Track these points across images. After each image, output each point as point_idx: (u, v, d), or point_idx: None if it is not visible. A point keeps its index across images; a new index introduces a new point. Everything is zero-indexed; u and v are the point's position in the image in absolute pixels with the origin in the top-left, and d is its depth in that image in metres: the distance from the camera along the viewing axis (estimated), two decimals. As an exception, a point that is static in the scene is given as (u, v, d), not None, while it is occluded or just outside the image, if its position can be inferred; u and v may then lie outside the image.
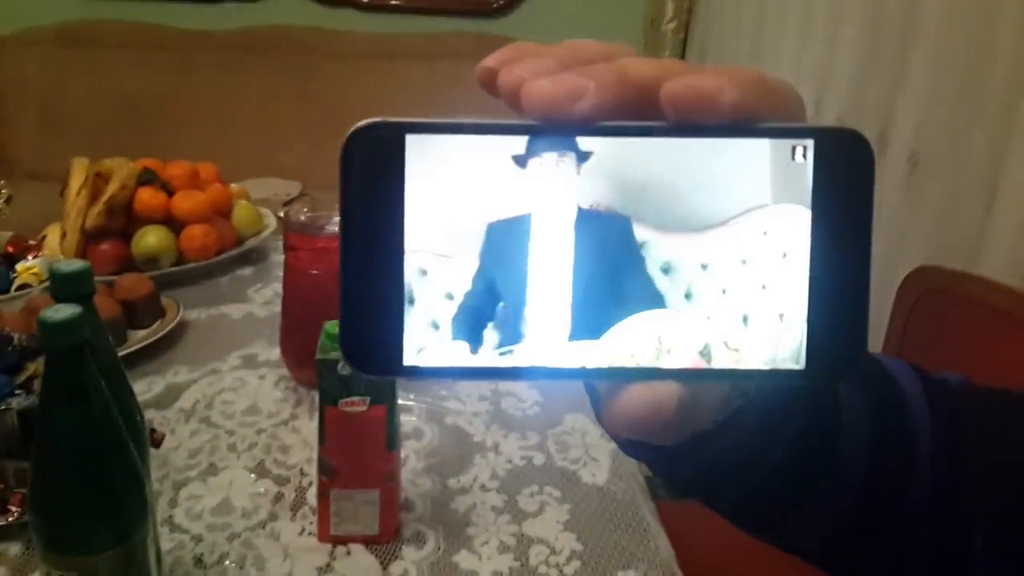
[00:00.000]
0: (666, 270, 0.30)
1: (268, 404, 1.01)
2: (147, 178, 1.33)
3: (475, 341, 0.30)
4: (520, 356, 0.29)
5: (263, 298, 1.32)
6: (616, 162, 0.29)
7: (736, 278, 0.30)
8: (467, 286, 0.30)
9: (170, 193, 1.34)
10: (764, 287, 0.29)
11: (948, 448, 0.42)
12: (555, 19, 3.05)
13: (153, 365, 1.08)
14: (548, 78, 0.28)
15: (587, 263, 0.29)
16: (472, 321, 0.30)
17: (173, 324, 1.13)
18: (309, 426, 0.95)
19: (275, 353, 1.09)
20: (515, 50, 0.30)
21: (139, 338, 1.10)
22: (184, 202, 1.34)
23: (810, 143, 0.28)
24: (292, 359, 1.05)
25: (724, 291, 0.30)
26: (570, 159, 0.28)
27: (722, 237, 0.30)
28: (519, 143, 0.28)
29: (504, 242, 0.29)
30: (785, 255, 0.29)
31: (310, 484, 0.86)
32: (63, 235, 1.24)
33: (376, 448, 0.76)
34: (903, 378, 0.44)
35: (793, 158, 0.28)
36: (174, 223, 1.33)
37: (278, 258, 1.45)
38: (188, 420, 0.96)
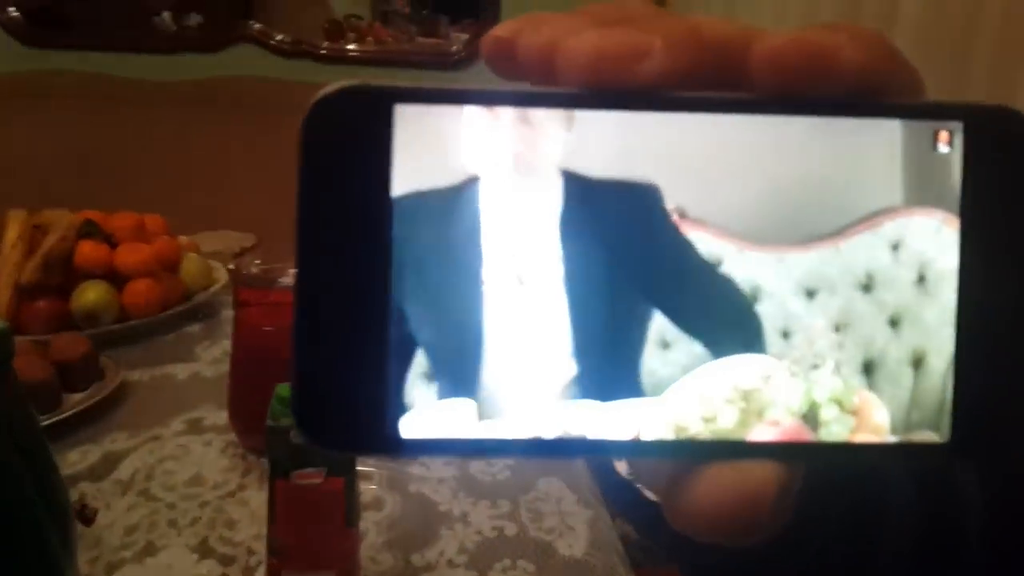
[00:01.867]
0: (754, 298, 0.22)
1: (214, 474, 0.92)
2: (89, 230, 1.25)
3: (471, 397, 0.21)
4: (544, 422, 0.21)
5: (211, 357, 1.23)
6: (658, 131, 0.21)
7: (854, 310, 0.22)
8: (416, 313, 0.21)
9: (113, 246, 1.26)
10: (894, 324, 0.21)
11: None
12: (517, 72, 3.04)
13: (89, 432, 0.99)
14: (598, 31, 0.20)
15: (590, 260, 0.21)
16: (447, 367, 0.21)
17: (112, 387, 1.05)
18: (258, 498, 0.87)
19: (223, 417, 1.01)
20: (534, 16, 0.22)
21: (74, 402, 1.01)
22: (128, 255, 1.25)
23: (958, 127, 0.21)
24: (241, 424, 0.97)
25: (837, 328, 0.21)
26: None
27: (835, 253, 0.22)
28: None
29: (440, 229, 0.21)
30: (923, 280, 0.21)
31: (259, 564, 0.78)
32: (-5, 291, 1.16)
33: (333, 525, 0.68)
34: None
35: (935, 148, 0.21)
36: (117, 278, 1.25)
37: (229, 314, 1.37)
38: (125, 493, 0.88)
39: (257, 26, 3.08)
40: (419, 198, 0.20)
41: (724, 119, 0.21)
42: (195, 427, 1.02)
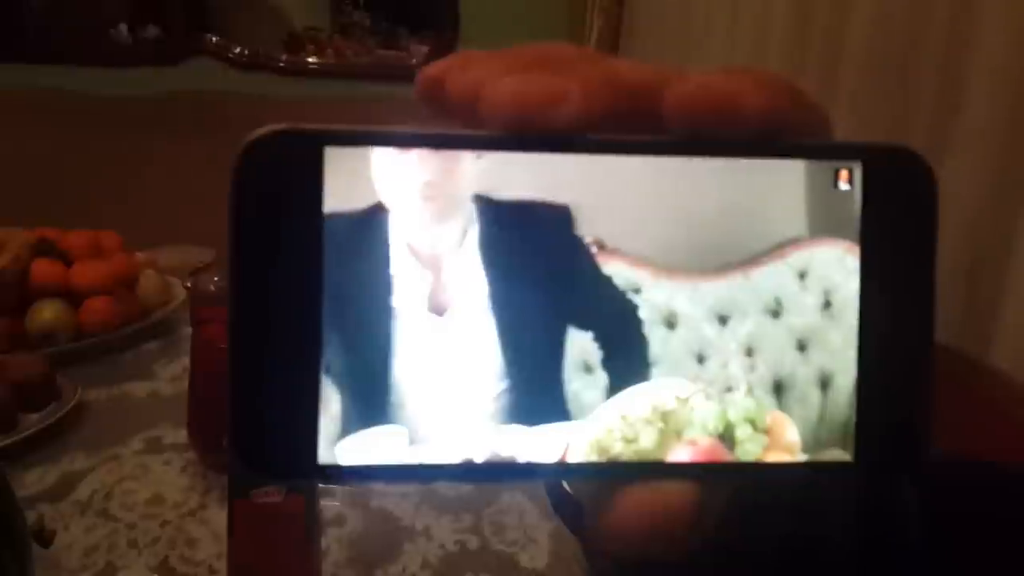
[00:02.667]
0: (670, 324, 0.23)
1: (174, 493, 0.92)
2: (43, 248, 1.24)
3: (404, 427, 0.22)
4: (474, 448, 0.21)
5: (170, 374, 1.22)
6: (574, 165, 0.22)
7: (764, 335, 0.23)
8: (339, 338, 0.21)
9: (69, 264, 1.25)
10: (801, 348, 0.22)
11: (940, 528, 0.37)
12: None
13: (46, 452, 0.98)
14: (517, 77, 0.21)
15: (503, 287, 0.22)
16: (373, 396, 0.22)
17: (69, 407, 1.03)
18: (220, 516, 0.87)
19: (182, 435, 1.00)
20: (466, 54, 0.23)
21: (31, 423, 1.00)
22: (84, 273, 1.24)
23: (857, 166, 0.22)
24: (201, 441, 0.96)
25: (748, 352, 0.23)
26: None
27: (745, 280, 0.23)
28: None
29: (361, 254, 0.21)
30: (828, 305, 0.22)
31: (220, 583, 0.77)
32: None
33: (293, 543, 0.68)
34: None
35: (835, 185, 0.22)
36: (73, 296, 1.23)
37: (187, 331, 1.36)
38: (84, 513, 0.87)
39: (214, 39, 3.06)
40: (346, 233, 0.21)
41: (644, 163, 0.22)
42: (154, 446, 1.01)
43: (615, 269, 0.22)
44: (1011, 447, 1.00)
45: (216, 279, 0.98)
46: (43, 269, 1.22)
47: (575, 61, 0.23)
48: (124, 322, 1.27)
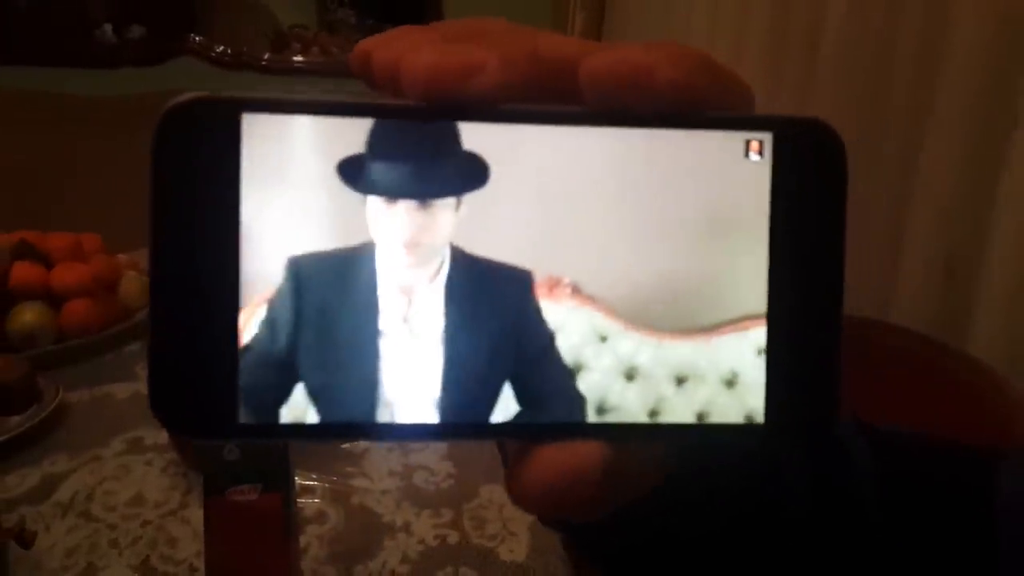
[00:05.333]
0: (630, 375, 0.23)
1: (155, 493, 0.92)
2: (23, 251, 1.24)
3: (339, 393, 0.23)
4: (411, 412, 0.23)
5: (153, 375, 1.23)
6: (524, 189, 0.22)
7: (716, 403, 0.23)
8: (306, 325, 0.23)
9: (49, 266, 1.25)
10: (749, 419, 0.23)
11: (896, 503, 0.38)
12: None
13: (28, 455, 0.98)
14: (436, 48, 0.22)
15: (463, 324, 0.23)
16: (320, 368, 0.23)
17: (51, 409, 1.04)
18: (200, 515, 0.86)
19: (163, 436, 1.01)
20: (397, 30, 0.24)
21: (12, 425, 1.00)
22: (65, 276, 1.24)
23: (768, 137, 0.23)
24: (181, 441, 0.96)
25: (700, 417, 0.24)
26: (445, 201, 0.22)
27: (705, 346, 0.23)
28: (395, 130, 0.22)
29: (327, 270, 0.22)
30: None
31: (201, 582, 0.78)
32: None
33: (271, 541, 0.69)
34: (846, 433, 0.40)
35: (746, 155, 0.23)
36: (54, 298, 1.23)
37: (171, 331, 1.36)
38: (65, 515, 0.87)
39: (197, 39, 3.06)
40: (317, 257, 0.22)
41: (622, 215, 0.23)
42: (136, 447, 1.02)
43: (587, 314, 0.23)
44: (986, 429, 1.02)
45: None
46: (24, 272, 1.22)
47: (500, 34, 0.24)
48: (105, 324, 1.27)
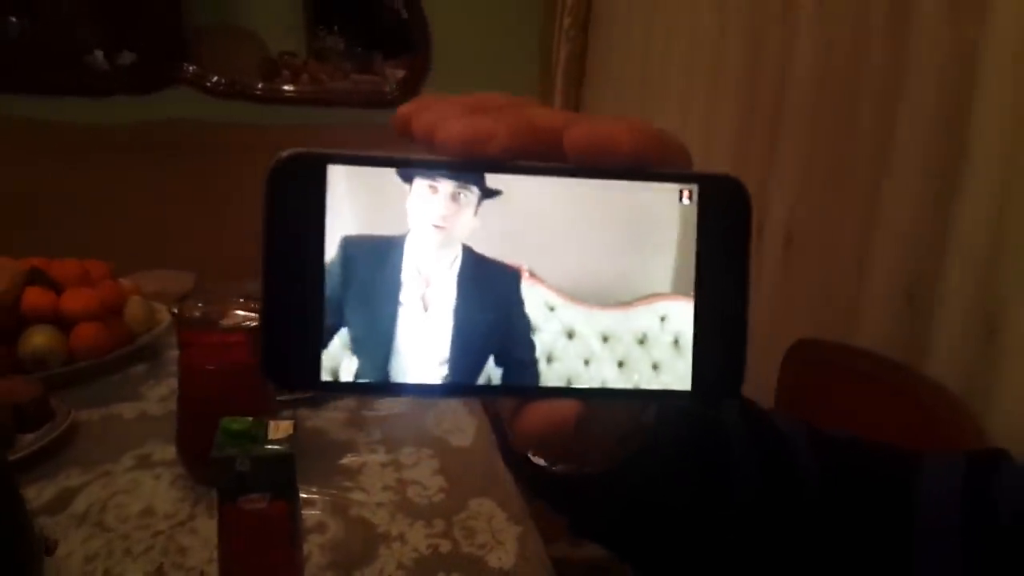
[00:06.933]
0: (569, 335, 0.31)
1: (165, 505, 0.98)
2: (34, 277, 1.30)
3: (380, 360, 0.31)
4: (429, 374, 0.31)
5: (157, 395, 1.29)
6: (519, 212, 0.31)
7: (631, 355, 0.32)
8: (351, 309, 0.31)
9: (59, 292, 1.31)
10: (655, 367, 0.31)
11: (829, 483, 0.46)
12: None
13: (43, 470, 1.04)
14: (461, 120, 0.30)
15: (468, 305, 0.31)
16: (364, 342, 0.31)
17: (63, 427, 1.10)
18: (208, 526, 0.93)
19: (170, 452, 1.07)
20: (428, 98, 0.32)
21: (27, 442, 1.06)
22: (74, 301, 1.31)
23: (695, 187, 0.31)
24: (189, 457, 1.03)
25: (620, 364, 0.32)
26: (469, 194, 0.31)
27: (624, 316, 0.31)
28: (438, 178, 0.30)
29: (377, 261, 0.31)
30: (676, 342, 0.31)
31: (211, 586, 0.84)
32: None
33: (278, 546, 0.75)
34: (789, 430, 0.48)
35: (680, 199, 0.31)
36: (64, 322, 1.30)
37: (173, 354, 1.42)
38: (81, 525, 0.93)
39: (192, 68, 3.12)
40: (366, 239, 0.31)
41: (575, 221, 0.31)
42: (145, 462, 1.08)
43: (539, 291, 0.31)
44: (938, 443, 1.09)
45: (200, 305, 1.05)
46: (35, 297, 1.28)
47: (505, 107, 0.32)
48: (113, 347, 1.33)
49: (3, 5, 3.19)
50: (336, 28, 3.63)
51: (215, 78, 3.13)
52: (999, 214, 1.16)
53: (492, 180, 0.30)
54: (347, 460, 1.11)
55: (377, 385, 0.31)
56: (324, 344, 0.30)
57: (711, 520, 0.43)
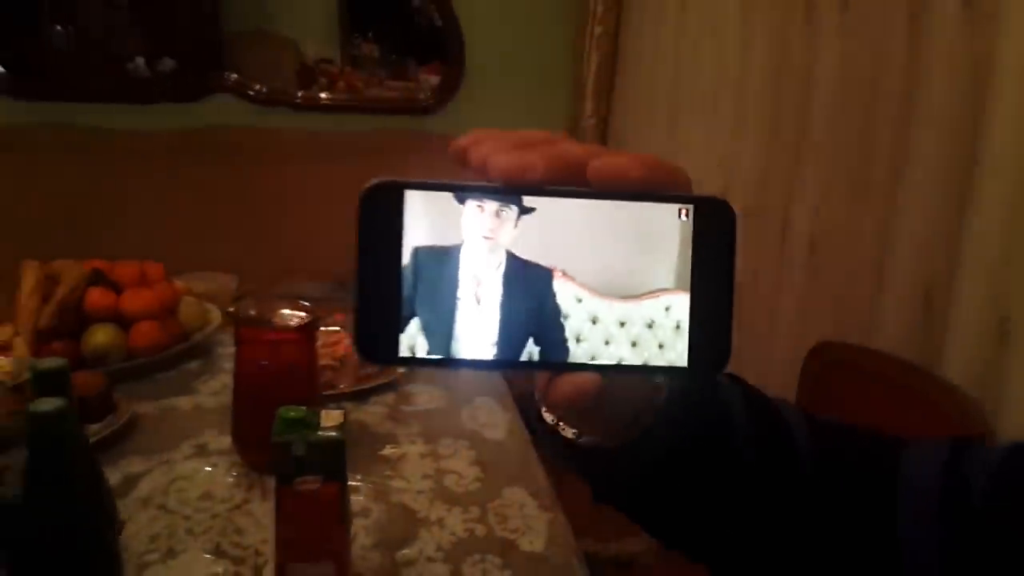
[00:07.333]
0: (593, 321, 0.39)
1: (221, 490, 1.06)
2: (96, 278, 1.39)
3: (444, 341, 0.38)
4: (482, 352, 0.39)
5: (210, 390, 1.37)
6: (552, 225, 0.39)
7: (642, 337, 0.39)
8: (421, 302, 0.38)
9: (119, 292, 1.40)
10: (661, 347, 0.39)
11: (823, 460, 0.53)
12: (478, 117, 3.19)
13: (107, 457, 1.12)
14: (509, 154, 0.38)
15: (511, 298, 0.39)
16: (435, 327, 0.38)
17: (125, 418, 1.18)
18: (261, 509, 1.01)
19: (225, 441, 1.15)
20: (480, 133, 0.40)
21: (92, 432, 1.14)
22: (133, 301, 1.39)
23: (691, 207, 0.38)
24: (244, 445, 1.11)
25: (633, 344, 0.39)
26: (510, 211, 0.38)
27: (637, 306, 0.39)
28: (487, 199, 0.38)
29: (440, 265, 0.38)
30: (678, 327, 0.39)
31: (265, 563, 0.91)
32: (15, 335, 1.29)
33: (329, 523, 0.82)
34: (789, 414, 0.55)
35: (679, 216, 0.38)
36: (123, 321, 1.38)
37: (223, 351, 1.51)
38: (146, 507, 1.01)
39: (234, 77, 3.22)
40: (432, 248, 0.38)
41: (596, 233, 0.38)
42: (201, 451, 1.16)
43: (567, 287, 0.39)
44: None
45: (254, 305, 1.12)
46: (97, 297, 1.37)
47: (542, 143, 0.39)
48: (168, 344, 1.42)
49: (49, 14, 3.31)
50: (371, 35, 3.69)
51: (257, 87, 3.22)
52: (1011, 221, 1.21)
53: (528, 200, 0.38)
54: (388, 451, 1.18)
55: (441, 360, 0.38)
56: (402, 329, 0.38)
57: (715, 489, 0.50)
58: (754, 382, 0.55)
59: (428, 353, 0.38)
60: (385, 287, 0.38)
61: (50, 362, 0.71)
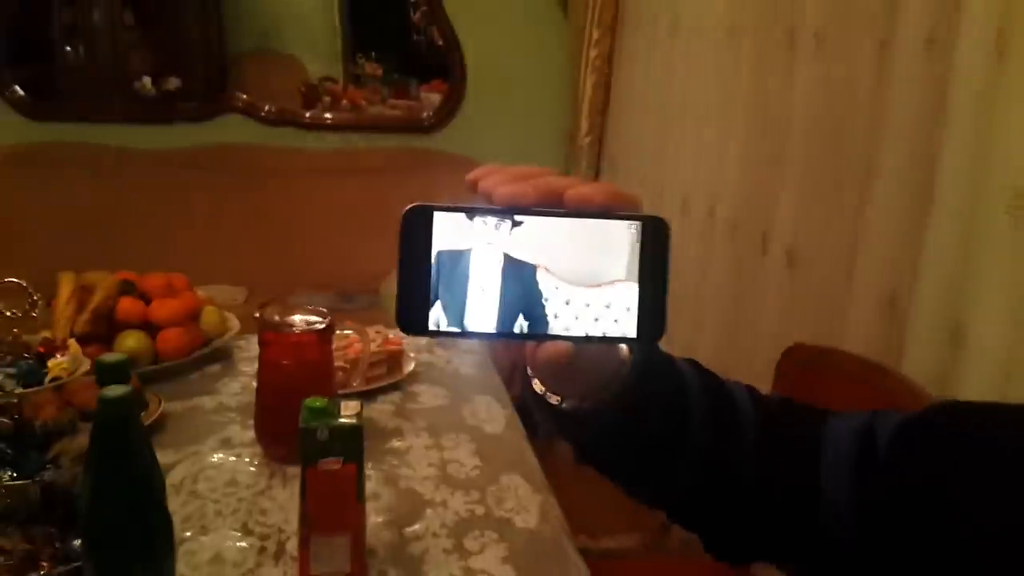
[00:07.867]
0: (567, 303, 0.51)
1: (246, 478, 1.17)
2: (126, 288, 1.51)
3: (459, 318, 0.50)
4: (486, 326, 0.50)
5: (231, 390, 1.48)
6: (537, 234, 0.51)
7: (601, 314, 0.51)
8: (443, 290, 0.50)
9: (147, 301, 1.52)
10: (616, 321, 0.51)
11: (764, 427, 0.64)
12: (479, 136, 3.33)
13: (141, 450, 1.23)
14: (509, 186, 0.50)
15: (506, 286, 0.51)
16: (453, 308, 0.50)
17: (156, 415, 1.29)
18: (283, 494, 1.12)
19: (247, 435, 1.27)
20: (488, 168, 0.52)
21: (127, 427, 1.25)
22: (161, 309, 1.51)
23: (638, 223, 0.50)
24: (266, 439, 1.22)
25: (596, 319, 0.51)
26: (507, 224, 0.50)
27: (598, 292, 0.51)
28: (490, 217, 0.50)
29: (456, 264, 0.50)
30: (628, 309, 0.51)
31: (288, 539, 1.02)
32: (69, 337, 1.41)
33: (348, 500, 0.93)
34: (735, 388, 0.66)
35: (630, 228, 0.50)
36: (151, 327, 1.50)
37: (242, 355, 1.62)
38: (179, 493, 1.13)
39: (244, 97, 3.34)
40: (451, 251, 0.50)
41: (557, 225, 0.50)
42: (226, 444, 1.27)
43: (547, 278, 0.51)
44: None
45: (277, 310, 1.24)
46: (127, 306, 1.49)
47: (534, 175, 0.52)
48: (192, 349, 1.53)
49: (61, 36, 3.44)
50: (373, 55, 3.76)
51: (266, 107, 3.33)
52: (966, 235, 1.33)
53: (519, 216, 0.50)
54: (396, 443, 1.30)
55: (459, 332, 0.50)
56: (430, 309, 0.50)
57: (670, 442, 0.61)
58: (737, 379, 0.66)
59: (448, 327, 0.50)
60: (417, 279, 0.50)
61: (112, 356, 0.82)
